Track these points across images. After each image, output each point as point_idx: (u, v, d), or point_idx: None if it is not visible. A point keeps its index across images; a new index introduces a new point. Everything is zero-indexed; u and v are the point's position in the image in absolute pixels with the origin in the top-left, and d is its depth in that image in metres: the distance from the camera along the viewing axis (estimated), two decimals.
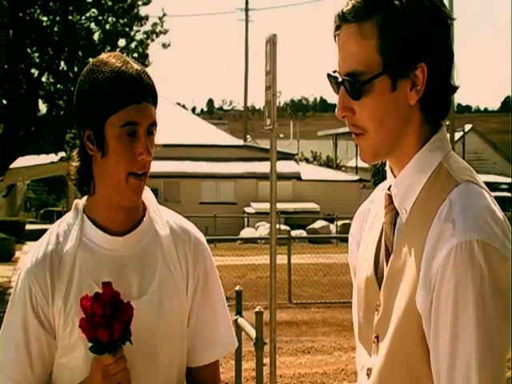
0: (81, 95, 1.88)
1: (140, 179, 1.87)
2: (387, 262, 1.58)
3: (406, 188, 1.57)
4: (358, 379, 1.71)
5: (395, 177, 1.61)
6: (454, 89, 1.58)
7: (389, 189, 1.62)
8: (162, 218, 2.01)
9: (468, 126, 45.48)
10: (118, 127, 1.83)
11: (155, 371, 1.91)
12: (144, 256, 1.90)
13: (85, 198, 1.98)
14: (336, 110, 1.57)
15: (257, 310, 5.51)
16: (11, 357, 1.91)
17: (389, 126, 1.53)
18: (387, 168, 1.66)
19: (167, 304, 1.92)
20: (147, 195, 2.01)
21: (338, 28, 1.56)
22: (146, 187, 1.96)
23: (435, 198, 1.51)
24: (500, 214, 1.49)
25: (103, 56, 1.91)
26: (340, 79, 1.55)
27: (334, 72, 1.59)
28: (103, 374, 1.77)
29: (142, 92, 1.85)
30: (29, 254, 1.97)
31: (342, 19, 1.54)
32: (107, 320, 1.73)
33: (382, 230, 1.64)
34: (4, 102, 17.54)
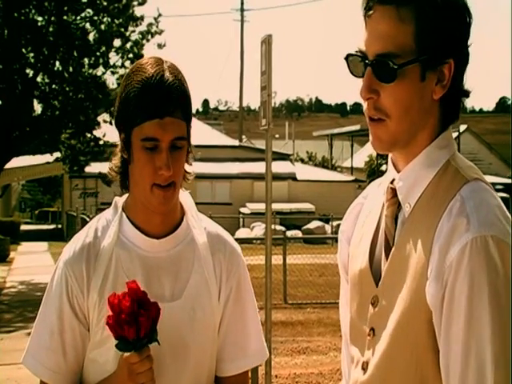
0: (117, 99, 1.90)
1: (165, 190, 1.85)
2: (387, 255, 1.58)
3: (413, 182, 1.57)
4: (349, 375, 1.70)
5: (397, 171, 1.61)
6: (467, 93, 1.58)
7: (391, 182, 1.61)
8: (200, 224, 2.01)
9: (463, 127, 45.49)
10: (140, 140, 1.82)
11: (184, 375, 1.90)
12: (179, 260, 1.89)
13: (124, 196, 2.00)
14: (360, 91, 1.53)
15: None
16: (46, 344, 1.93)
17: (412, 116, 1.52)
18: (389, 162, 1.65)
19: (199, 310, 1.93)
20: (186, 199, 2.01)
21: (369, 8, 1.52)
22: (184, 191, 1.97)
23: (443, 193, 1.51)
24: (507, 211, 1.50)
25: (143, 61, 1.88)
26: (370, 59, 1.52)
27: (357, 52, 1.55)
28: (129, 372, 1.78)
29: (166, 107, 1.80)
30: (67, 246, 2.00)
31: (378, 0, 1.50)
32: (133, 317, 1.74)
33: (378, 224, 1.64)
34: None
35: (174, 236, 1.94)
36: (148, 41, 17.99)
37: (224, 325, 1.99)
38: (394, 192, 1.60)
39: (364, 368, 1.60)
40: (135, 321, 1.74)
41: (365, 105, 1.56)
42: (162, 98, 1.80)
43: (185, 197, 2.00)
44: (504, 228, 1.45)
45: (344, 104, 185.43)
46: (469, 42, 1.55)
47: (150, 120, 1.80)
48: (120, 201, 2.00)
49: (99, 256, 1.92)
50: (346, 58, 1.57)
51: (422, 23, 1.48)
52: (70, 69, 17.29)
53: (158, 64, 1.85)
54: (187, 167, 1.94)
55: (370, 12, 1.52)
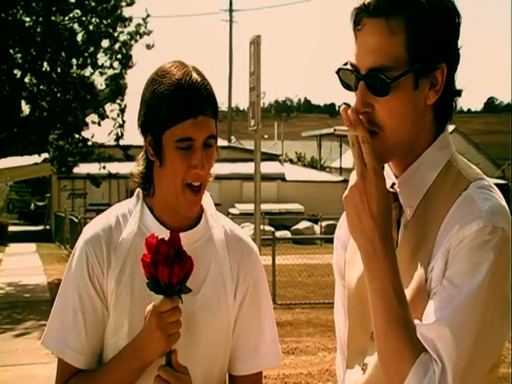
0: (143, 104, 1.90)
1: (196, 193, 1.88)
2: None
3: (414, 185, 1.57)
4: (346, 377, 1.69)
5: (395, 176, 1.61)
6: (459, 92, 1.59)
7: (392, 187, 1.61)
8: (219, 223, 2.03)
9: (451, 127, 45.66)
10: (174, 141, 1.83)
11: (195, 370, 1.88)
12: (196, 257, 1.89)
13: None
14: (355, 105, 1.52)
15: None
16: (69, 324, 1.93)
17: (406, 126, 1.52)
18: (386, 166, 1.64)
19: (215, 308, 1.94)
20: (205, 199, 2.02)
21: (359, 22, 1.51)
22: (206, 193, 1.98)
23: (446, 194, 1.52)
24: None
25: (166, 65, 1.90)
26: (362, 73, 1.51)
27: (346, 65, 1.55)
28: (158, 320, 1.78)
29: (199, 106, 1.84)
30: (88, 226, 2.01)
31: (367, 13, 1.50)
32: (169, 260, 1.76)
33: None
34: None
35: (193, 231, 1.96)
36: (136, 41, 17.98)
37: (239, 324, 2.00)
38: (394, 196, 1.60)
39: (363, 369, 1.60)
40: (170, 265, 1.76)
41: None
42: (194, 98, 1.83)
43: (205, 196, 2.01)
44: (509, 225, 1.47)
45: (333, 104, 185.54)
46: (459, 43, 1.55)
47: (183, 121, 1.82)
48: (142, 191, 2.01)
49: (119, 242, 1.93)
50: (338, 72, 1.56)
51: (413, 33, 1.48)
52: (58, 69, 17.25)
53: (184, 66, 1.88)
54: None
55: (360, 26, 1.51)
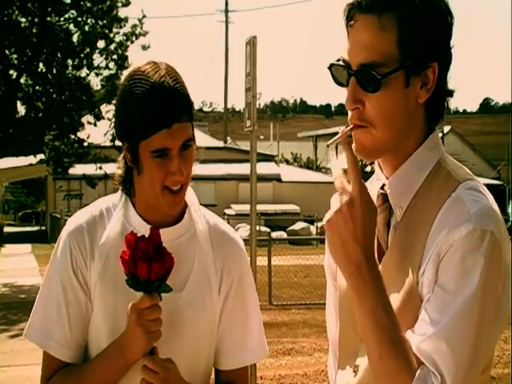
0: (117, 112, 1.88)
1: (176, 195, 1.86)
2: (380, 260, 1.57)
3: (404, 186, 1.56)
4: (337, 378, 1.69)
5: (386, 176, 1.60)
6: (451, 92, 1.58)
7: (382, 188, 1.61)
8: (202, 218, 2.01)
9: (447, 128, 45.70)
10: (150, 152, 1.81)
11: (179, 365, 1.87)
12: (180, 253, 1.88)
13: None
14: (346, 102, 1.52)
15: None
16: (53, 317, 1.92)
17: (397, 123, 1.51)
18: (376, 167, 1.64)
19: (200, 304, 1.93)
20: (189, 194, 2.00)
21: (351, 18, 1.51)
22: (188, 187, 1.96)
23: (436, 195, 1.51)
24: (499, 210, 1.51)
25: (138, 71, 1.83)
26: (354, 69, 1.51)
27: (338, 61, 1.55)
28: (138, 317, 1.78)
29: (173, 115, 1.79)
30: (71, 218, 2.00)
31: (359, 9, 1.49)
32: (148, 257, 1.76)
33: None
34: None
35: (176, 227, 1.95)
36: (132, 42, 17.95)
37: (224, 319, 1.99)
38: (384, 197, 1.60)
39: (355, 371, 1.60)
40: (149, 261, 1.76)
41: (349, 113, 1.55)
42: (167, 107, 1.78)
43: (188, 191, 1.99)
44: (500, 226, 1.46)
45: (329, 105, 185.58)
46: (451, 43, 1.55)
47: (158, 132, 1.78)
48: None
49: (103, 236, 1.93)
50: (330, 68, 1.56)
51: (405, 30, 1.48)
52: (54, 70, 17.21)
53: (156, 70, 1.81)
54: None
55: (352, 22, 1.51)
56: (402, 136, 1.54)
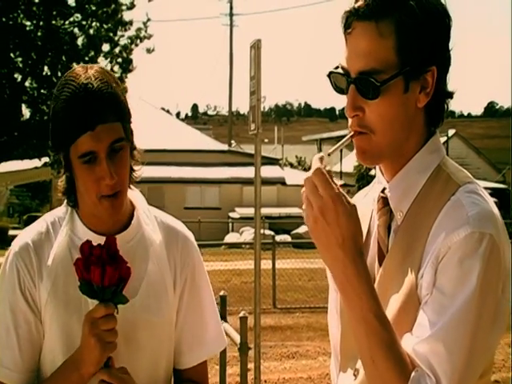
0: (50, 119, 1.86)
1: (112, 200, 1.82)
2: (380, 264, 1.57)
3: (404, 189, 1.56)
4: (339, 381, 1.69)
5: (387, 180, 1.60)
6: (451, 94, 1.58)
7: (382, 191, 1.61)
8: (151, 218, 2.00)
9: (452, 131, 45.63)
10: (77, 157, 1.79)
11: (140, 370, 1.87)
12: (131, 257, 1.85)
13: None
14: (346, 109, 1.53)
15: (241, 315, 5.48)
16: (2, 342, 1.88)
17: (396, 128, 1.51)
18: (377, 171, 1.64)
19: (155, 307, 1.91)
20: (136, 196, 1.99)
21: (349, 26, 1.51)
22: (134, 189, 1.95)
23: (436, 198, 1.51)
24: (499, 213, 1.51)
25: (69, 74, 1.83)
26: (353, 77, 1.51)
27: (336, 68, 1.55)
28: (92, 326, 1.74)
29: (95, 116, 1.75)
30: (16, 239, 1.96)
31: (357, 16, 1.49)
32: (101, 261, 1.73)
33: (368, 233, 1.64)
34: None
35: (126, 233, 1.92)
36: (137, 45, 18.00)
37: (181, 316, 1.98)
38: (385, 201, 1.60)
39: (355, 375, 1.60)
40: (102, 266, 1.72)
41: (349, 120, 1.55)
42: (88, 110, 1.75)
43: (135, 194, 1.98)
44: (499, 231, 1.45)
45: (333, 109, 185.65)
46: (450, 45, 1.54)
47: (81, 135, 1.76)
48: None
49: (51, 253, 1.89)
50: (329, 75, 1.56)
51: (403, 36, 1.47)
52: (59, 73, 17.24)
53: (83, 73, 1.80)
54: (134, 166, 1.93)
55: (350, 29, 1.51)
56: (402, 141, 1.54)
